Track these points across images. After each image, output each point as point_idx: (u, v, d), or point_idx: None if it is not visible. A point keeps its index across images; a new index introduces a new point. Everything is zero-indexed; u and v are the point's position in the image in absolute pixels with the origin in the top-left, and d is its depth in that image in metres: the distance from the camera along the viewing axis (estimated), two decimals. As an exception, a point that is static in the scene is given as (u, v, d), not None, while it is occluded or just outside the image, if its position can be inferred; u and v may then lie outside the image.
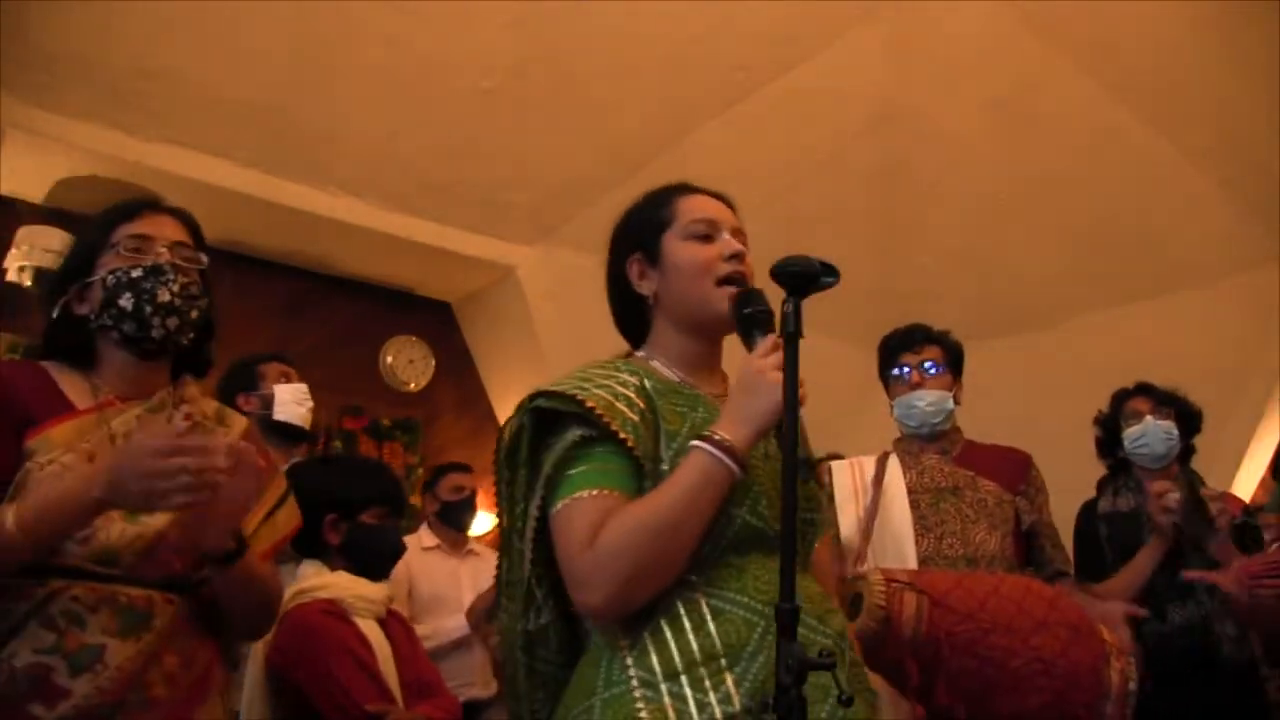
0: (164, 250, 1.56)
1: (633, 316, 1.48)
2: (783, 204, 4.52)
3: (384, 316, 5.00)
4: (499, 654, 3.56)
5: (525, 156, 4.23)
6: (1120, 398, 2.85)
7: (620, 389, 1.31)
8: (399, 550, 2.28)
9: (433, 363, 5.10)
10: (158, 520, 1.44)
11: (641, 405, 1.30)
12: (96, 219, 1.59)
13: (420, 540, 3.70)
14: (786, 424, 1.18)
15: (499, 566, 1.39)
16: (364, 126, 3.96)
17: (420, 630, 3.33)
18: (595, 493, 1.24)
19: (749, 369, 1.27)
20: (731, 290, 1.37)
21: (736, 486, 1.26)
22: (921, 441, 2.53)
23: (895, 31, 4.04)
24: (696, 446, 1.24)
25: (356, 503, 2.18)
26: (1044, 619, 1.81)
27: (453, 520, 3.71)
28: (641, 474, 1.27)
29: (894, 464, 2.50)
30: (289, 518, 1.67)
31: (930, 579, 1.93)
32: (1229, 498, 2.87)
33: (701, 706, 1.18)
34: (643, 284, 1.44)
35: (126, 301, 1.50)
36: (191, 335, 1.58)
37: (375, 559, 2.21)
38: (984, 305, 5.03)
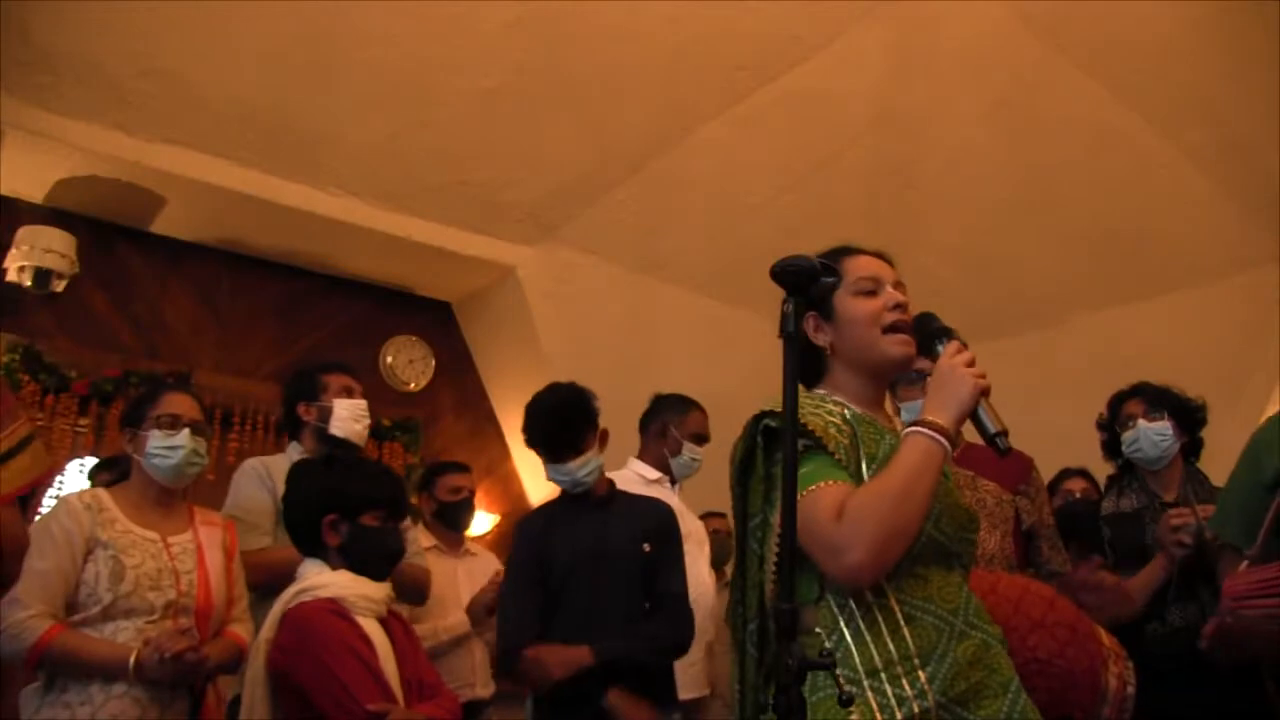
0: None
1: (807, 362, 1.66)
2: (783, 204, 4.52)
3: (384, 316, 5.00)
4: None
5: (525, 156, 4.23)
6: (1117, 400, 2.84)
7: (829, 417, 1.51)
8: (399, 553, 2.28)
9: (433, 363, 5.10)
10: None
11: (848, 430, 1.51)
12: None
13: (418, 541, 3.70)
14: (786, 421, 1.18)
15: (735, 573, 1.55)
16: (364, 126, 3.96)
17: (419, 630, 3.33)
18: (830, 483, 1.43)
19: (942, 367, 1.50)
20: (900, 336, 1.59)
21: None
22: None
23: (895, 31, 4.04)
24: (912, 432, 1.44)
25: (357, 504, 2.18)
26: (1041, 619, 1.82)
27: (450, 521, 3.69)
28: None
29: None
30: (32, 464, 1.54)
31: None
32: None
33: (901, 700, 1.35)
34: (819, 336, 1.62)
35: None
36: None
37: (374, 561, 2.21)
38: (984, 305, 5.03)
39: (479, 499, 5.00)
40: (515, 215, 4.52)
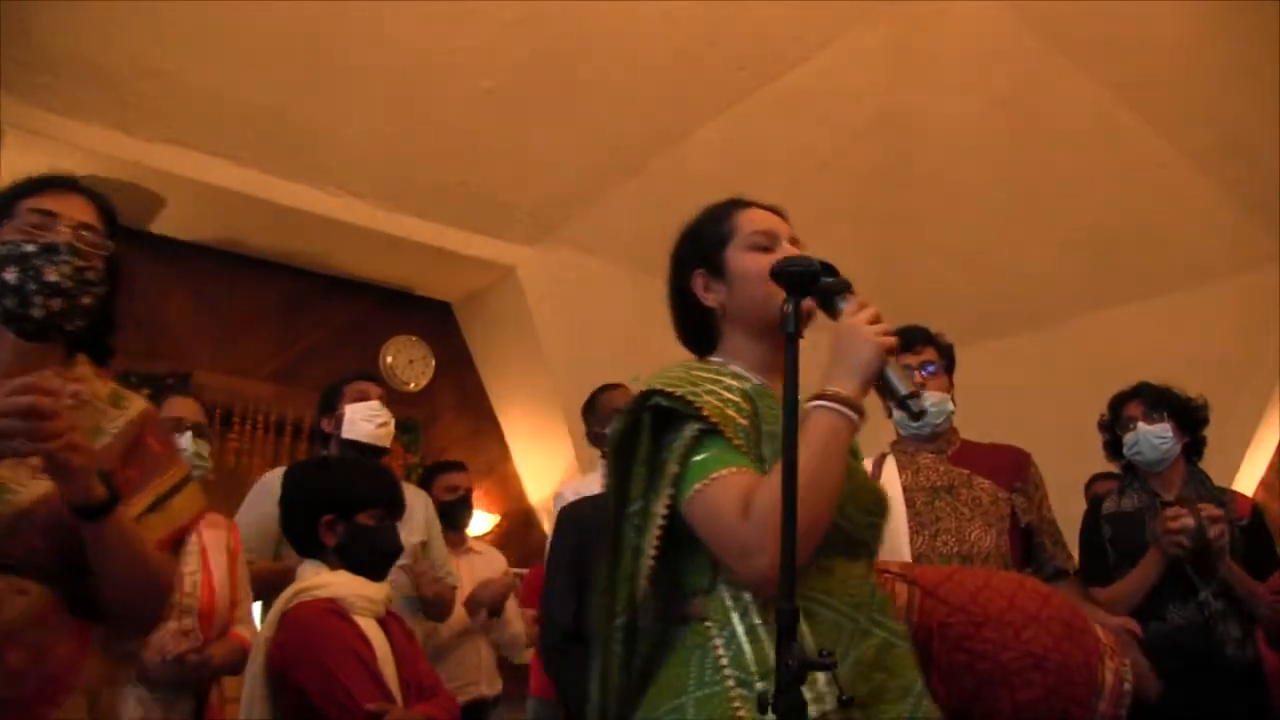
0: (66, 230, 1.46)
1: (697, 327, 1.54)
2: (783, 204, 4.52)
3: (384, 316, 5.00)
4: (504, 651, 3.61)
5: (525, 156, 4.23)
6: (1118, 402, 2.83)
7: (727, 394, 1.36)
8: (396, 551, 2.28)
9: (433, 363, 5.10)
10: (23, 498, 1.34)
11: (748, 409, 1.36)
12: (6, 188, 1.51)
13: (447, 559, 3.72)
14: (785, 422, 1.18)
15: (602, 561, 1.41)
16: (364, 126, 3.96)
17: (419, 627, 3.33)
18: (733, 470, 1.28)
19: (843, 327, 1.33)
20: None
21: None
22: (918, 442, 2.54)
23: (895, 31, 4.04)
24: (816, 406, 1.28)
25: (354, 503, 2.18)
26: (1036, 614, 1.81)
27: (449, 520, 3.68)
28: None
29: (890, 465, 2.52)
30: (187, 505, 1.56)
31: (921, 571, 1.94)
32: (1237, 496, 2.85)
33: None
34: (709, 296, 1.50)
35: (11, 275, 1.41)
36: (81, 322, 1.47)
37: (372, 559, 2.21)
38: (984, 305, 5.03)
39: (478, 499, 5.00)
40: (515, 215, 4.53)
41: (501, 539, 4.96)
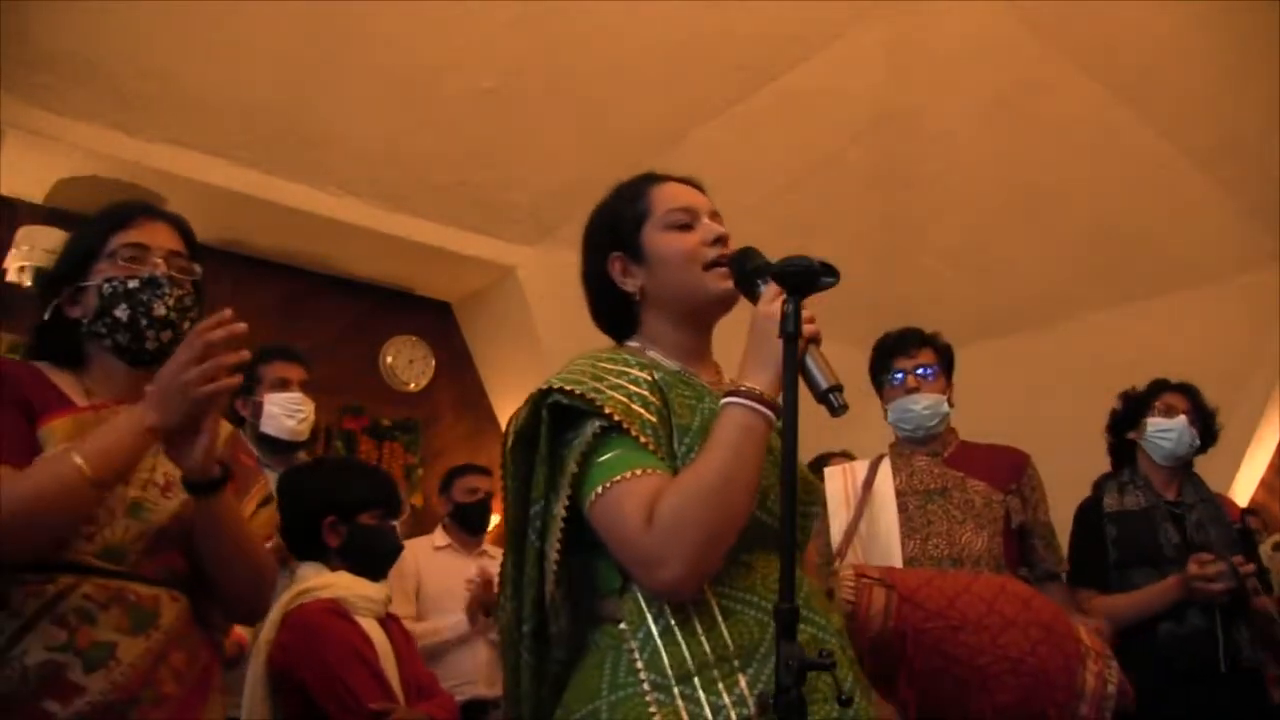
0: (160, 261, 1.55)
1: (614, 312, 1.46)
2: (783, 204, 4.52)
3: (384, 316, 5.00)
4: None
5: (525, 156, 4.23)
6: (1159, 386, 2.83)
7: (633, 387, 1.29)
8: (397, 549, 2.30)
9: (433, 363, 5.10)
10: (159, 516, 1.46)
11: (656, 402, 1.29)
12: (93, 222, 1.60)
13: (433, 540, 3.71)
14: (786, 422, 1.18)
15: (503, 563, 1.37)
16: (364, 126, 3.96)
17: (420, 627, 3.33)
18: (637, 472, 1.21)
19: (758, 316, 1.27)
20: (723, 270, 1.38)
21: None
22: (914, 444, 2.54)
23: (895, 31, 4.04)
24: (729, 403, 1.23)
25: (354, 505, 2.19)
26: (1015, 618, 1.81)
27: (467, 522, 3.69)
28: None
29: (885, 468, 2.52)
30: (274, 513, 1.73)
31: (901, 576, 1.94)
32: (1226, 501, 2.87)
33: (716, 709, 1.16)
34: (627, 281, 1.42)
35: (122, 313, 1.51)
36: None
37: (374, 559, 2.22)
38: (984, 305, 5.03)
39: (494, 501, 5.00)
40: (515, 215, 4.53)
41: (502, 539, 4.96)
